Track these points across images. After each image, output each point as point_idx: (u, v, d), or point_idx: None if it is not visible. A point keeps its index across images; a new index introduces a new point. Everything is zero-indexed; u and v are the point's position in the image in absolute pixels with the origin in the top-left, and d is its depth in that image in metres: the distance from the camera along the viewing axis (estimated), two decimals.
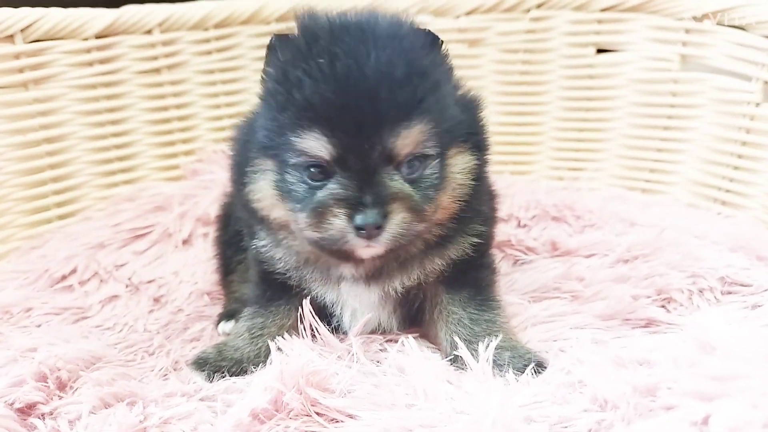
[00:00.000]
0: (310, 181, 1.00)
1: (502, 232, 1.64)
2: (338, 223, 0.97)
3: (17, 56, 1.59)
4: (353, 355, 1.06)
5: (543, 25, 2.03)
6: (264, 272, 1.20)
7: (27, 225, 1.64)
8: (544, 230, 1.65)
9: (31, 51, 1.61)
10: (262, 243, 1.18)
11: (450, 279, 1.16)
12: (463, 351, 1.04)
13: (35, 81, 1.63)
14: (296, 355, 0.97)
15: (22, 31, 1.58)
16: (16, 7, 1.59)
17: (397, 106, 0.95)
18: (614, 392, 0.77)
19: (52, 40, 1.64)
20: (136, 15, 1.74)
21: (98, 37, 1.71)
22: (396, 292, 1.14)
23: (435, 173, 1.04)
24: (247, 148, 1.07)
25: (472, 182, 1.11)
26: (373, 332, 1.21)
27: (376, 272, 1.13)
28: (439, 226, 1.11)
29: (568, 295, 1.33)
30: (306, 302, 1.13)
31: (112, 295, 1.47)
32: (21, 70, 1.60)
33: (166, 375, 1.14)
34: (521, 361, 1.05)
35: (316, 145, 0.96)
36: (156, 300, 1.47)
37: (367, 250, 1.01)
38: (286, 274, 1.16)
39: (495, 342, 1.04)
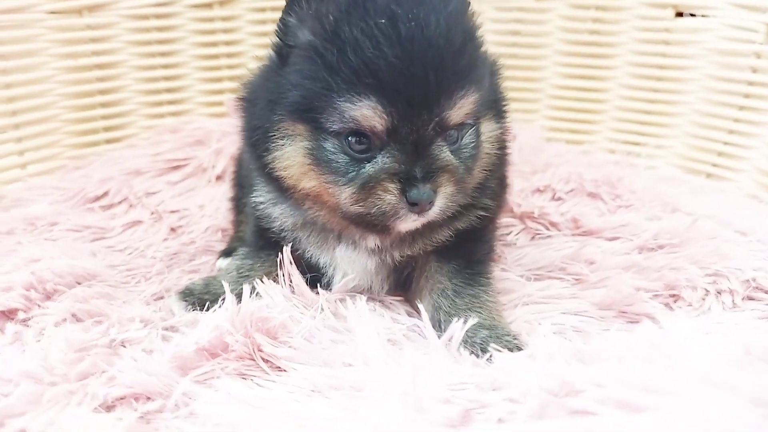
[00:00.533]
0: (352, 152, 0.94)
1: (531, 203, 1.55)
2: (390, 198, 0.93)
3: None
4: (320, 308, 1.05)
5: None
6: (259, 227, 1.19)
7: (74, 146, 1.74)
8: (574, 206, 1.54)
9: None
10: (260, 200, 1.15)
11: (443, 248, 1.12)
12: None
13: (89, 8, 1.69)
14: (249, 300, 0.97)
15: None
16: None
17: (457, 75, 0.90)
18: (527, 388, 0.71)
19: None
20: None
21: None
22: (393, 261, 1.12)
23: (472, 142, 1.00)
24: (271, 109, 0.97)
25: (498, 151, 1.07)
26: (362, 291, 1.20)
27: (385, 244, 1.09)
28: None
29: (571, 277, 1.24)
30: (286, 250, 1.12)
31: (136, 220, 1.54)
32: None
33: (151, 299, 1.19)
34: (498, 342, 0.99)
35: (371, 114, 0.89)
36: (173, 229, 1.52)
37: (413, 223, 0.98)
38: (281, 233, 1.15)
39: (471, 320, 0.98)
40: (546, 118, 2.04)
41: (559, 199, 1.62)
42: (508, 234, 1.47)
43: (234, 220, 1.48)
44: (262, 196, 1.16)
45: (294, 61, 0.95)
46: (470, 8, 0.99)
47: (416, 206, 0.93)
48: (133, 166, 1.71)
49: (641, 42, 1.86)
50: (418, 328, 1.06)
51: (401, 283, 1.19)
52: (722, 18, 1.70)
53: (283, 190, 1.04)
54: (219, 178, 1.76)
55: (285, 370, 0.93)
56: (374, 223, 0.97)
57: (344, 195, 0.96)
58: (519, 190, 1.64)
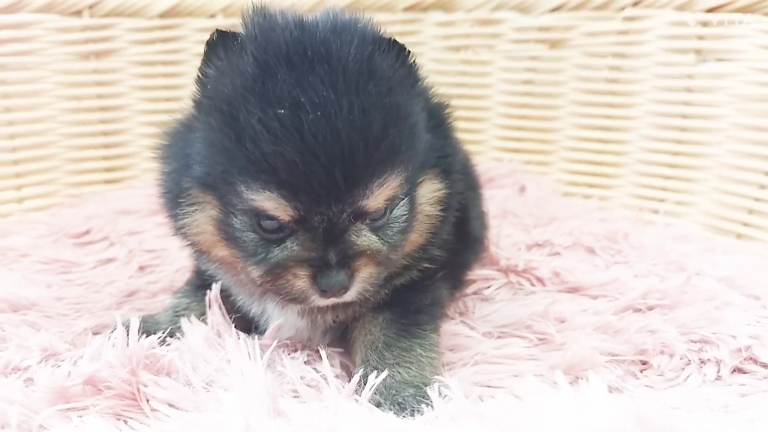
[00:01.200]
0: (262, 232, 0.86)
1: (518, 257, 1.41)
2: (300, 284, 0.86)
3: (83, 29, 1.73)
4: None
5: (637, 25, 1.73)
6: (196, 269, 1.16)
7: (72, 184, 1.77)
8: (565, 261, 1.38)
9: (97, 26, 1.74)
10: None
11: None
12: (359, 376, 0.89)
13: (97, 54, 1.76)
14: (138, 335, 0.89)
15: (90, 7, 1.72)
16: None
17: (372, 166, 0.82)
18: None
19: (117, 17, 1.76)
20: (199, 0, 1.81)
21: (161, 17, 1.79)
22: (326, 322, 1.04)
23: (404, 214, 0.92)
24: (180, 174, 0.91)
25: (440, 213, 0.98)
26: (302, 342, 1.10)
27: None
28: (403, 258, 0.99)
29: (536, 336, 1.09)
30: (215, 287, 1.06)
31: (110, 258, 1.52)
32: (85, 43, 1.74)
33: (80, 333, 1.14)
34: (423, 403, 0.86)
35: (273, 206, 0.82)
36: (142, 268, 1.48)
37: (329, 301, 0.90)
38: (215, 277, 1.08)
39: (388, 374, 0.88)
40: (562, 171, 1.90)
41: (556, 254, 1.47)
42: (486, 288, 1.33)
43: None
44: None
45: (200, 129, 0.87)
46: (404, 68, 0.90)
47: (327, 293, 0.85)
48: (123, 205, 1.71)
49: (662, 90, 1.71)
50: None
51: (341, 335, 1.08)
52: (747, 62, 1.54)
53: (201, 254, 1.00)
54: None
55: (159, 413, 0.83)
56: (291, 298, 0.89)
57: (254, 274, 0.89)
58: (512, 243, 1.50)
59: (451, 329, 1.12)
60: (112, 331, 1.00)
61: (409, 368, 0.92)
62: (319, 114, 0.78)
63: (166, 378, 0.86)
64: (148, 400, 0.85)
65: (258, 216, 0.85)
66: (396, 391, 0.88)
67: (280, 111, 0.78)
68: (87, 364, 0.87)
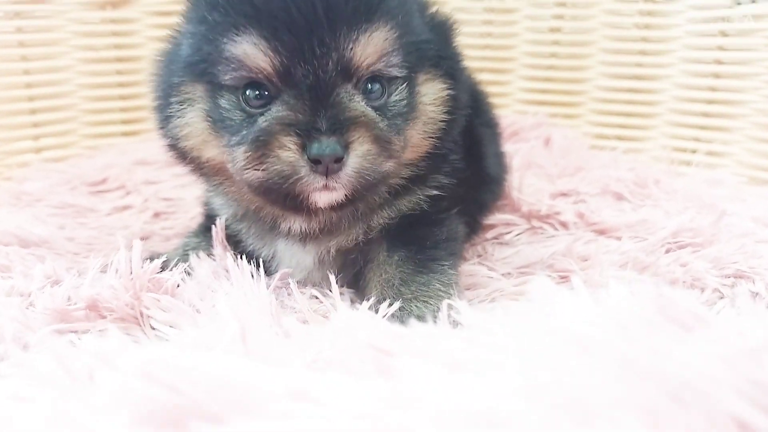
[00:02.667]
0: (248, 107, 0.82)
1: (542, 202, 1.35)
2: (287, 155, 0.78)
3: None
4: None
5: None
6: (206, 212, 1.12)
7: (90, 135, 1.77)
8: (591, 206, 1.32)
9: None
10: (204, 186, 1.08)
11: (393, 235, 0.96)
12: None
13: (113, 3, 1.73)
14: (140, 260, 0.87)
15: None
16: None
17: (354, 3, 0.78)
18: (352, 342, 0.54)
19: None
20: None
21: None
22: (331, 254, 0.98)
23: (403, 100, 0.86)
24: (171, 72, 0.89)
25: (446, 116, 0.91)
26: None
27: (321, 230, 0.96)
28: (407, 167, 0.93)
29: (557, 274, 1.04)
30: (219, 221, 1.03)
31: (126, 205, 1.50)
32: None
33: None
34: None
35: (253, 51, 0.78)
36: (157, 214, 1.47)
37: (325, 194, 0.82)
38: (218, 214, 1.05)
39: (396, 304, 0.81)
40: (590, 123, 1.83)
41: (581, 201, 1.40)
42: (507, 233, 1.27)
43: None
44: (204, 183, 1.08)
45: (187, 11, 0.88)
46: None
47: (320, 164, 0.77)
48: (141, 156, 1.70)
49: (696, 35, 1.62)
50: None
51: (353, 279, 1.03)
52: None
53: (191, 165, 0.95)
54: None
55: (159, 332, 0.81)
56: (285, 196, 0.82)
57: (239, 157, 0.82)
58: (535, 191, 1.44)
59: (468, 269, 1.08)
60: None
61: (427, 302, 0.87)
62: None
63: (168, 297, 0.82)
64: (152, 326, 0.83)
65: (243, 90, 0.81)
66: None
67: None
68: (89, 287, 0.84)
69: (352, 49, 0.78)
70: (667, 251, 1.07)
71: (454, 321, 0.73)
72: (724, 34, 1.57)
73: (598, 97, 1.81)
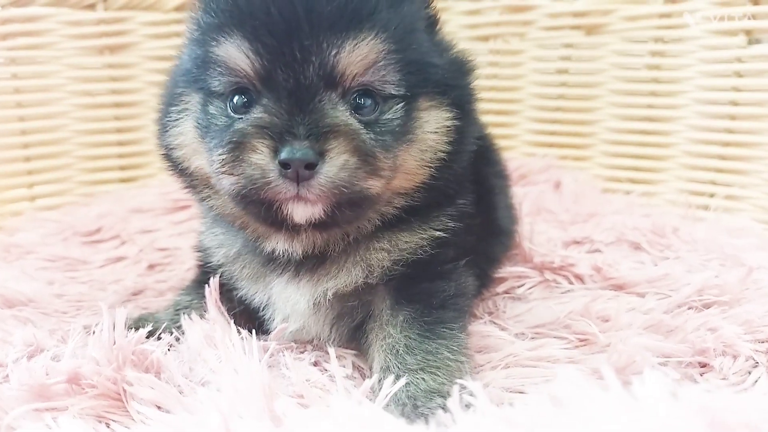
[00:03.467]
0: (232, 114, 0.81)
1: (554, 253, 1.28)
2: (258, 158, 0.75)
3: (97, 23, 1.67)
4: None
5: (680, 7, 1.60)
6: (200, 261, 1.07)
7: (86, 183, 1.72)
8: (607, 257, 1.25)
9: (111, 19, 1.68)
10: (201, 229, 1.05)
11: (398, 289, 0.90)
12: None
13: (111, 48, 1.70)
14: (125, 330, 0.80)
15: (103, 0, 1.67)
16: None
17: (339, 8, 0.75)
18: None
19: (131, 10, 1.70)
20: None
21: (177, 10, 1.74)
22: (327, 297, 0.91)
23: (396, 119, 0.81)
24: (174, 84, 0.90)
25: (448, 146, 0.86)
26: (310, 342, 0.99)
27: (312, 262, 0.90)
28: (401, 196, 0.87)
29: (575, 337, 0.96)
30: (213, 280, 0.97)
31: (120, 256, 1.44)
32: (99, 37, 1.68)
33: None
34: None
35: (236, 53, 0.77)
36: (152, 266, 1.41)
37: (300, 206, 0.77)
38: (218, 269, 1.00)
39: (412, 381, 0.76)
40: (601, 166, 1.77)
41: (596, 251, 1.34)
42: (519, 286, 1.20)
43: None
44: (203, 224, 1.05)
45: (190, 17, 0.89)
46: None
47: (290, 169, 0.73)
48: (137, 204, 1.64)
49: (710, 76, 1.57)
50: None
51: (354, 335, 0.96)
52: None
53: (182, 176, 0.94)
54: None
55: (143, 415, 0.73)
56: (259, 204, 0.78)
57: (216, 161, 0.79)
58: (547, 240, 1.38)
59: (479, 329, 1.01)
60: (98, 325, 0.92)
61: (435, 374, 0.81)
62: None
63: (151, 377, 0.75)
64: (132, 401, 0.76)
65: (230, 96, 0.80)
66: (421, 401, 0.76)
67: None
68: (69, 360, 0.78)
69: (335, 55, 0.75)
70: (691, 308, 1.00)
71: (467, 404, 0.66)
72: (738, 74, 1.52)
73: (609, 138, 1.76)
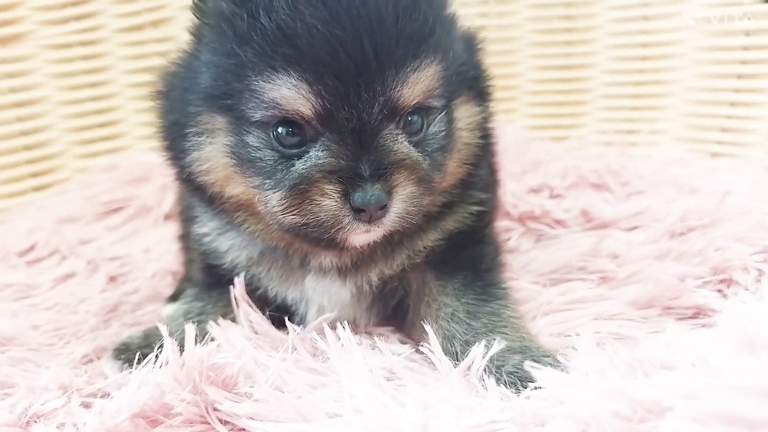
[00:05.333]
0: (281, 147, 0.74)
1: (528, 203, 1.35)
2: (330, 204, 0.72)
3: None
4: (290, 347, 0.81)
5: None
6: (207, 263, 0.98)
7: None
8: (578, 200, 1.34)
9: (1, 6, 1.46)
10: (204, 230, 0.95)
11: (440, 261, 0.90)
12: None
13: (2, 40, 1.48)
14: (196, 345, 0.73)
15: None
16: None
17: (404, 41, 0.71)
18: (591, 415, 0.49)
19: None
20: None
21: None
22: (372, 285, 0.90)
23: (442, 131, 0.80)
24: (186, 100, 0.79)
25: (480, 140, 0.87)
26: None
27: (357, 261, 0.88)
28: (442, 194, 0.88)
29: (595, 276, 1.03)
30: (239, 282, 0.91)
31: (68, 273, 1.30)
32: None
33: (81, 362, 0.95)
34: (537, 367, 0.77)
35: (293, 95, 0.70)
36: (112, 279, 1.28)
37: (365, 236, 0.77)
38: (233, 270, 0.93)
39: (498, 344, 0.76)
40: (527, 116, 1.87)
41: (558, 195, 1.43)
42: (508, 239, 1.26)
43: (186, 260, 1.24)
44: (205, 226, 0.96)
45: (206, 37, 0.78)
46: None
47: (363, 213, 0.72)
48: (64, 212, 1.48)
49: (619, 21, 1.70)
50: (422, 359, 0.84)
51: (392, 312, 0.96)
52: None
53: (208, 200, 0.86)
54: (167, 217, 1.52)
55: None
56: (318, 237, 0.76)
57: (273, 202, 0.76)
58: (510, 192, 1.44)
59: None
60: (121, 356, 0.85)
61: (505, 333, 0.83)
62: None
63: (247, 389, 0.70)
64: (224, 422, 0.71)
65: (274, 127, 0.74)
66: (502, 360, 0.78)
67: None
68: (141, 392, 0.70)
69: (399, 89, 0.72)
70: (680, 235, 1.11)
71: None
72: (646, 18, 1.66)
73: (532, 89, 1.85)
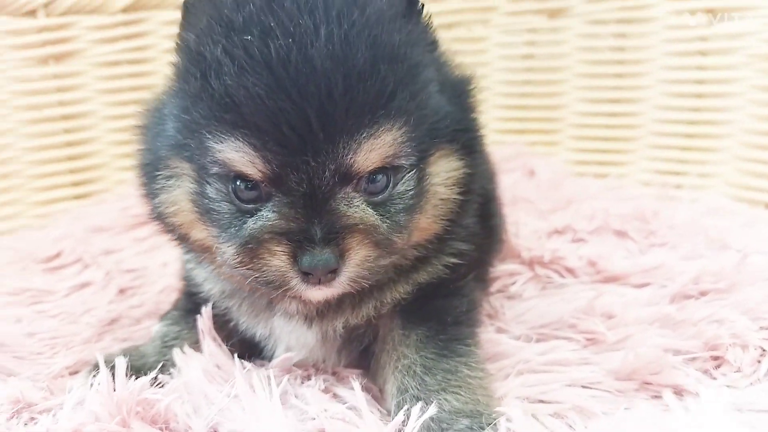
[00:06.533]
0: (237, 201, 0.74)
1: (542, 246, 1.28)
2: (277, 263, 0.72)
3: (39, 31, 1.56)
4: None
5: None
6: (188, 290, 1.01)
7: (39, 203, 1.62)
8: (595, 247, 1.25)
9: (54, 26, 1.57)
10: (187, 257, 0.97)
11: (408, 310, 0.87)
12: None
13: (56, 57, 1.58)
14: (124, 378, 0.74)
15: (45, 6, 1.55)
16: None
17: (357, 108, 0.68)
18: None
19: (75, 14, 1.58)
20: None
21: (125, 11, 1.63)
22: (337, 331, 0.89)
23: (409, 190, 0.77)
24: (157, 143, 0.81)
25: (460, 196, 0.82)
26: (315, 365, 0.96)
27: (322, 309, 0.87)
28: (415, 248, 0.85)
29: (583, 336, 0.96)
30: (205, 311, 0.92)
31: (85, 282, 1.35)
32: (42, 45, 1.57)
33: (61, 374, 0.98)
34: None
35: (239, 158, 0.70)
36: (122, 291, 1.33)
37: (320, 292, 0.76)
38: (209, 300, 0.95)
39: (433, 406, 0.73)
40: (569, 150, 1.78)
41: (580, 240, 1.34)
42: (512, 284, 1.20)
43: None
44: (187, 254, 0.97)
45: (172, 87, 0.79)
46: (410, 11, 0.77)
47: (311, 276, 0.70)
48: (97, 222, 1.55)
49: (674, 55, 1.59)
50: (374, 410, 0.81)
51: (362, 355, 0.94)
52: (764, 18, 1.42)
53: (178, 239, 0.87)
54: None
55: None
56: (274, 290, 0.75)
57: (227, 254, 0.75)
58: (532, 232, 1.37)
59: (485, 337, 0.98)
60: (94, 372, 0.85)
61: (458, 394, 0.78)
62: (290, 41, 0.67)
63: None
64: None
65: (233, 180, 0.73)
66: (448, 423, 0.74)
67: (246, 38, 0.68)
68: (68, 417, 0.71)
69: (352, 157, 0.69)
70: (688, 297, 1.01)
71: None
72: (703, 53, 1.54)
73: (577, 122, 1.77)
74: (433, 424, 0.74)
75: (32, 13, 1.55)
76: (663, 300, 0.99)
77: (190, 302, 1.00)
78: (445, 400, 0.77)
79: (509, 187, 1.62)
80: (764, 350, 0.84)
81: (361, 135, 0.69)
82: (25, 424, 0.77)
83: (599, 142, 1.74)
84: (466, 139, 0.82)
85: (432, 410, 0.72)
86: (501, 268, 1.22)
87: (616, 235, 1.30)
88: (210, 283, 0.94)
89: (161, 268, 1.43)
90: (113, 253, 1.47)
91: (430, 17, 0.82)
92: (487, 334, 1.00)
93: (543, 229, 1.39)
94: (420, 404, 0.74)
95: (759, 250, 1.06)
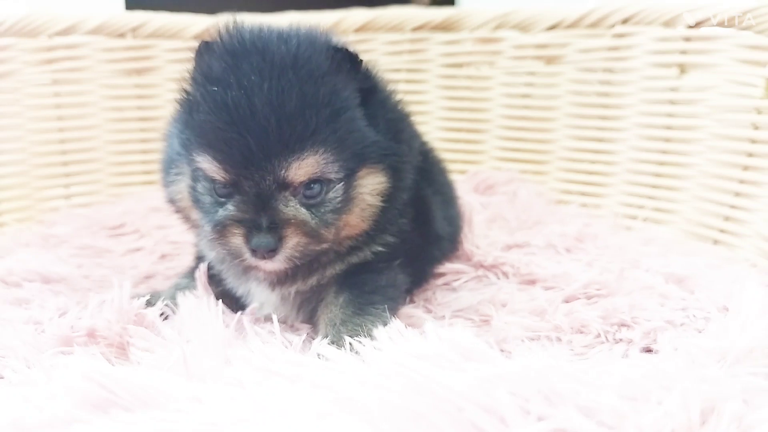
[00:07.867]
0: (216, 195, 1.06)
1: (491, 254, 1.53)
2: (236, 242, 1.03)
3: (126, 49, 1.99)
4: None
5: (626, 42, 1.83)
6: (196, 254, 1.36)
7: (114, 185, 2.03)
8: (534, 258, 1.49)
9: (139, 46, 2.00)
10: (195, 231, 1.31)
11: (341, 281, 1.17)
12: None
13: (138, 71, 2.01)
14: (129, 299, 1.09)
15: (133, 30, 1.98)
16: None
17: (286, 140, 0.98)
18: None
19: (157, 38, 2.01)
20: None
21: (196, 38, 2.03)
22: (291, 294, 1.20)
23: (338, 197, 1.06)
24: (172, 147, 1.12)
25: (384, 203, 1.12)
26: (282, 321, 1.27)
27: (280, 277, 1.18)
28: (349, 239, 1.15)
29: (480, 318, 1.22)
30: (202, 266, 1.25)
31: (138, 247, 1.74)
32: (128, 61, 2.00)
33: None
34: None
35: (210, 167, 1.02)
36: (163, 256, 1.70)
37: (267, 265, 1.07)
38: (209, 262, 1.28)
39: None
40: (556, 180, 2.01)
41: (532, 254, 1.57)
42: (455, 280, 1.45)
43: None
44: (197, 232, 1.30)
45: (175, 111, 1.13)
46: (341, 67, 1.04)
47: (257, 253, 1.01)
48: (155, 203, 1.93)
49: (649, 102, 1.79)
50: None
51: (314, 314, 1.23)
52: (725, 74, 1.61)
53: (184, 218, 1.21)
54: None
55: None
56: (239, 261, 1.07)
57: (206, 233, 1.08)
58: (490, 243, 1.62)
59: (407, 312, 1.25)
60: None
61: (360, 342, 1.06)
62: (242, 92, 0.96)
63: (146, 331, 1.04)
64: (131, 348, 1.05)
65: (213, 181, 1.04)
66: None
67: (213, 88, 0.98)
68: (88, 319, 1.07)
69: (285, 173, 1.00)
70: (577, 299, 1.23)
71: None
72: (672, 102, 1.74)
73: (564, 156, 1.99)
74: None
75: (123, 35, 1.98)
76: (558, 298, 1.22)
77: (198, 263, 1.34)
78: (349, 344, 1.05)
79: (493, 206, 1.88)
80: (605, 339, 1.07)
81: (290, 158, 0.99)
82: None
83: (583, 174, 1.95)
84: (393, 161, 1.11)
85: (327, 339, 1.00)
86: (450, 267, 1.48)
87: (554, 250, 1.53)
88: (208, 251, 1.27)
89: (192, 245, 1.80)
90: (164, 229, 1.84)
91: (371, 68, 1.13)
92: (413, 311, 1.27)
93: (505, 242, 1.63)
94: (326, 341, 1.01)
95: (654, 269, 1.27)
